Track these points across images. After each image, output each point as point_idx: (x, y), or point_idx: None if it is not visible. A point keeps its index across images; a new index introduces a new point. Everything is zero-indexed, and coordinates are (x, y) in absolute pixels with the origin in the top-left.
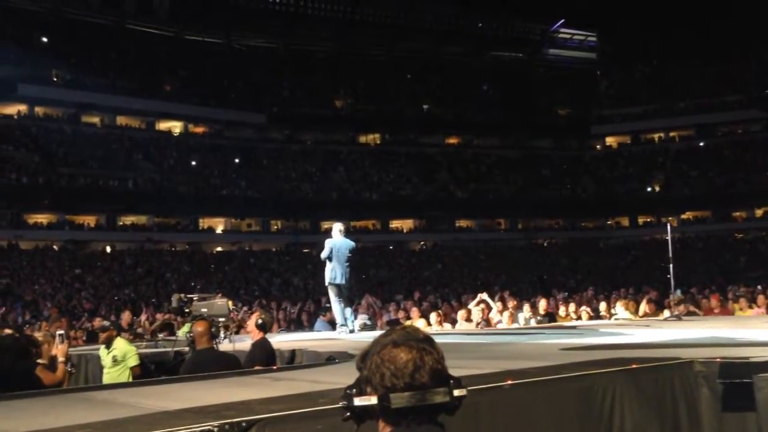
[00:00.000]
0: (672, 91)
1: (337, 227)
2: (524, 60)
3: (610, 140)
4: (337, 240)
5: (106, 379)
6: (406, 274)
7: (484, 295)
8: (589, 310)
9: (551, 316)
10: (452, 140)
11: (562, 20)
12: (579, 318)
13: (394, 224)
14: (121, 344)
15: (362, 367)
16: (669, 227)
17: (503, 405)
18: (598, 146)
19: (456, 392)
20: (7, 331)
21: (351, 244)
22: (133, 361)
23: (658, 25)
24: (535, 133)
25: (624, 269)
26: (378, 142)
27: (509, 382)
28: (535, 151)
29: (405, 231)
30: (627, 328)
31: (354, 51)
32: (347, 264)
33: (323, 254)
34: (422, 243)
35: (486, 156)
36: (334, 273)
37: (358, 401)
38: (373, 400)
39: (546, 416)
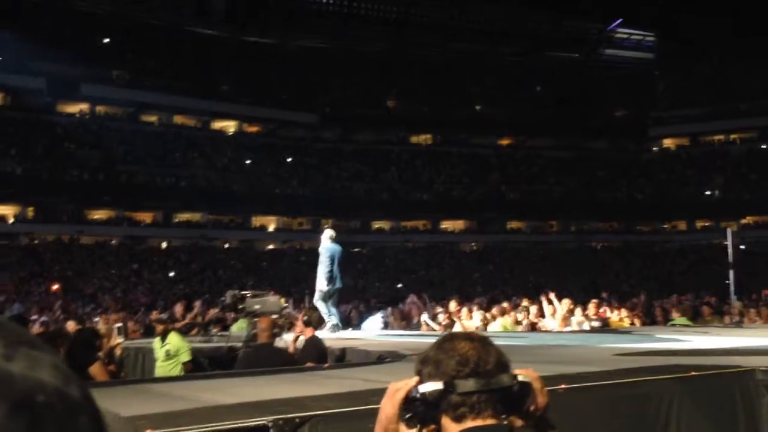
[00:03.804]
0: (733, 92)
1: (328, 234)
2: (580, 60)
3: (667, 142)
4: (332, 246)
5: (158, 371)
6: (455, 275)
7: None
8: (643, 314)
9: (604, 320)
10: (505, 141)
11: (620, 19)
12: (633, 323)
13: (445, 225)
14: (175, 339)
15: (421, 369)
16: (728, 232)
17: (556, 410)
18: (655, 148)
19: (520, 377)
20: (71, 323)
21: (340, 248)
22: (186, 356)
23: (719, 24)
24: (590, 135)
25: (680, 274)
26: (430, 142)
27: (563, 386)
28: (590, 153)
29: (456, 232)
30: (684, 334)
31: (406, 51)
32: (341, 268)
33: (329, 265)
34: (473, 244)
35: (539, 157)
36: (336, 278)
37: (422, 388)
38: (439, 385)
39: (600, 422)
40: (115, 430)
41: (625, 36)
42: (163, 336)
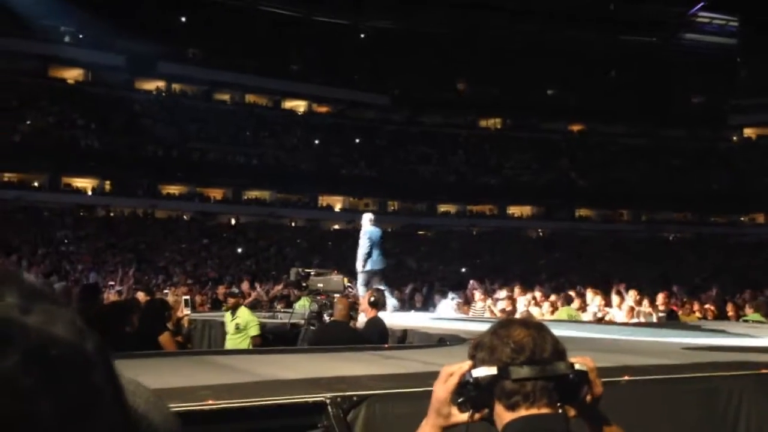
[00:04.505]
0: None
1: (368, 217)
2: (658, 45)
3: (748, 131)
4: (370, 229)
5: (228, 344)
6: (520, 262)
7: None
8: (714, 309)
9: (673, 313)
10: (576, 126)
11: (702, 3)
12: (704, 317)
13: (512, 210)
14: (244, 313)
15: (475, 354)
16: None
17: (618, 401)
18: (734, 137)
19: (577, 366)
20: (141, 293)
21: (380, 231)
22: (254, 330)
23: None
24: (666, 122)
25: (757, 269)
26: (499, 126)
27: (626, 378)
28: (665, 141)
29: (522, 218)
30: (757, 330)
31: (478, 33)
32: (382, 250)
33: (365, 247)
34: (539, 231)
35: (611, 144)
36: (375, 260)
37: (476, 372)
38: (492, 370)
39: (664, 416)
40: (139, 395)
41: (707, 20)
42: (234, 310)
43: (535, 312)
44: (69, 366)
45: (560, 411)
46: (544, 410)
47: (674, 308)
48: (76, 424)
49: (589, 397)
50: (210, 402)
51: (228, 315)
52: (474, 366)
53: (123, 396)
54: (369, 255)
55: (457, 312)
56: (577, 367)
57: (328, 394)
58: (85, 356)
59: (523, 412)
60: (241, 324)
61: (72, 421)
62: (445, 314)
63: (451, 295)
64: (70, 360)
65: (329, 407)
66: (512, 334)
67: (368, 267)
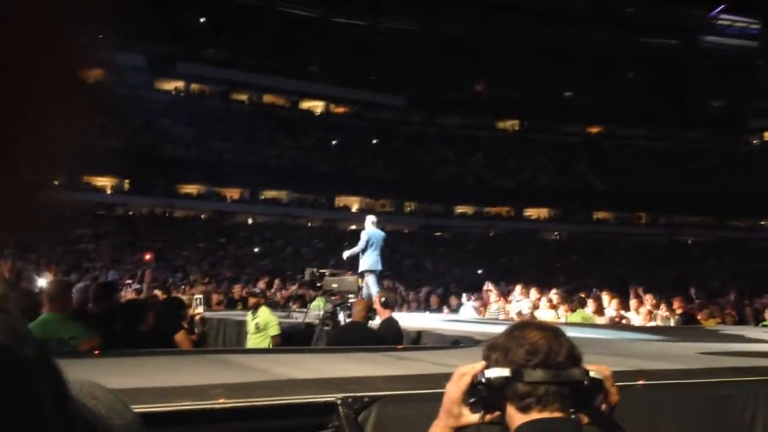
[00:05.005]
0: None
1: (370, 219)
2: (678, 47)
3: None
4: (372, 231)
5: (249, 344)
6: (537, 264)
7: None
8: (733, 313)
9: (691, 317)
10: (594, 129)
11: (722, 5)
12: (722, 322)
13: (529, 212)
14: (264, 313)
15: (489, 355)
16: None
17: (633, 406)
18: (755, 141)
19: (592, 373)
20: (157, 292)
21: (383, 234)
22: (274, 330)
23: None
24: (685, 125)
25: None
26: (516, 128)
27: (641, 382)
28: (685, 144)
29: (539, 220)
30: None
31: (496, 35)
32: (381, 252)
33: (360, 245)
34: (556, 233)
35: (630, 147)
36: (372, 261)
37: (489, 373)
38: (506, 371)
39: (679, 422)
40: (102, 400)
41: (728, 23)
42: (254, 309)
43: (546, 315)
44: (3, 370)
45: (573, 416)
46: (556, 414)
47: (692, 312)
48: (11, 427)
49: (603, 406)
50: (222, 400)
51: (250, 314)
52: (488, 367)
53: (67, 401)
54: (362, 254)
55: (477, 313)
56: (592, 374)
57: (339, 395)
58: (21, 360)
59: (535, 415)
60: (261, 323)
61: (6, 424)
62: (465, 316)
63: (466, 296)
64: (4, 364)
65: (340, 408)
66: (527, 336)
67: (365, 267)
